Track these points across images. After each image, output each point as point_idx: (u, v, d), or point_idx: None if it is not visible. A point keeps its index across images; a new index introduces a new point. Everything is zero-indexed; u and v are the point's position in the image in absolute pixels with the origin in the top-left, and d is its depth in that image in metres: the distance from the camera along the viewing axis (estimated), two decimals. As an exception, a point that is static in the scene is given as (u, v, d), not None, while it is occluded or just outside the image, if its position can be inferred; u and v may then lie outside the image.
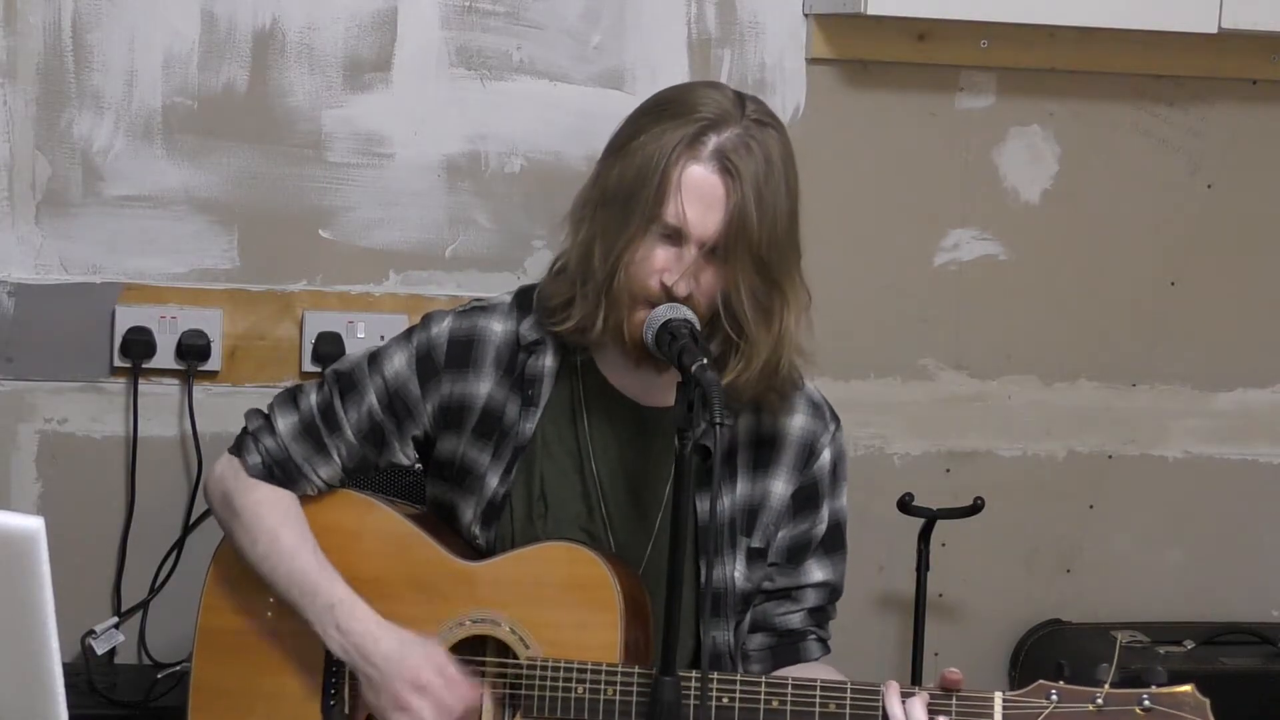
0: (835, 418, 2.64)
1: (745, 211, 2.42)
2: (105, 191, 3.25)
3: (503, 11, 3.32)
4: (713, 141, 2.42)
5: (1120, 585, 3.62)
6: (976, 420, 3.57)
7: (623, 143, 2.48)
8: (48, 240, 3.24)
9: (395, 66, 3.30)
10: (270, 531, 2.58)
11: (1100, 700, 2.30)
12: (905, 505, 3.35)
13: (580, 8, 3.34)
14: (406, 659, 2.48)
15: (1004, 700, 2.33)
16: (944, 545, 3.43)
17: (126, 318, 3.26)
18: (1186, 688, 2.29)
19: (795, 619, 2.63)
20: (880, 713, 2.37)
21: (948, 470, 3.56)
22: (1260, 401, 3.66)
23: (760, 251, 2.44)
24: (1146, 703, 2.29)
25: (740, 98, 2.49)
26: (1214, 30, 3.34)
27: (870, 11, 3.25)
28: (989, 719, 2.33)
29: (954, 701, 2.35)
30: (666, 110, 2.47)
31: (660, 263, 2.43)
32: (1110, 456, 3.62)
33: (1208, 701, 2.29)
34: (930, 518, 3.35)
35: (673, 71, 3.35)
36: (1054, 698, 2.31)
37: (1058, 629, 3.56)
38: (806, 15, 3.40)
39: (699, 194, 2.41)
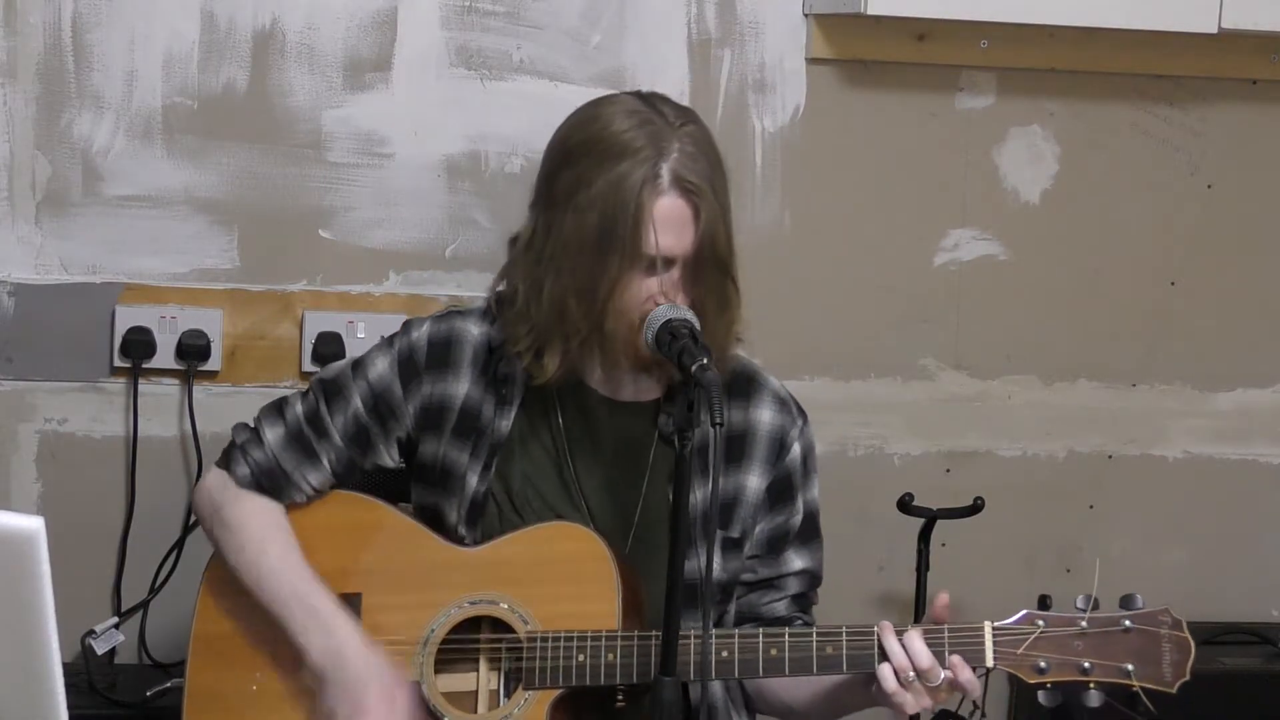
0: (802, 413, 2.71)
1: (712, 222, 2.49)
2: (105, 191, 3.25)
3: (503, 11, 3.32)
4: (666, 170, 2.47)
5: (1120, 585, 3.61)
6: (976, 420, 3.57)
7: (569, 193, 2.50)
8: (48, 240, 3.24)
9: (395, 66, 3.30)
10: (258, 543, 2.61)
11: (1084, 624, 2.44)
12: (905, 505, 3.35)
13: (580, 8, 3.34)
14: (367, 685, 2.50)
15: (994, 628, 2.44)
16: (944, 545, 3.43)
17: (126, 318, 3.26)
18: (1163, 608, 2.46)
19: (780, 606, 2.69)
20: (875, 652, 2.44)
21: (948, 470, 3.56)
22: (1260, 401, 3.66)
23: (721, 253, 2.51)
24: (1127, 623, 2.44)
25: (650, 103, 2.54)
26: (1214, 30, 3.34)
27: (870, 11, 3.25)
28: (980, 648, 2.43)
29: (945, 633, 2.44)
30: (605, 151, 2.49)
31: (649, 290, 2.49)
32: (1110, 456, 3.62)
33: (1183, 619, 2.45)
34: (930, 518, 3.35)
35: (673, 71, 3.35)
36: (1040, 625, 2.44)
37: (1058, 629, 3.56)
38: (806, 15, 3.40)
39: (673, 222, 2.47)
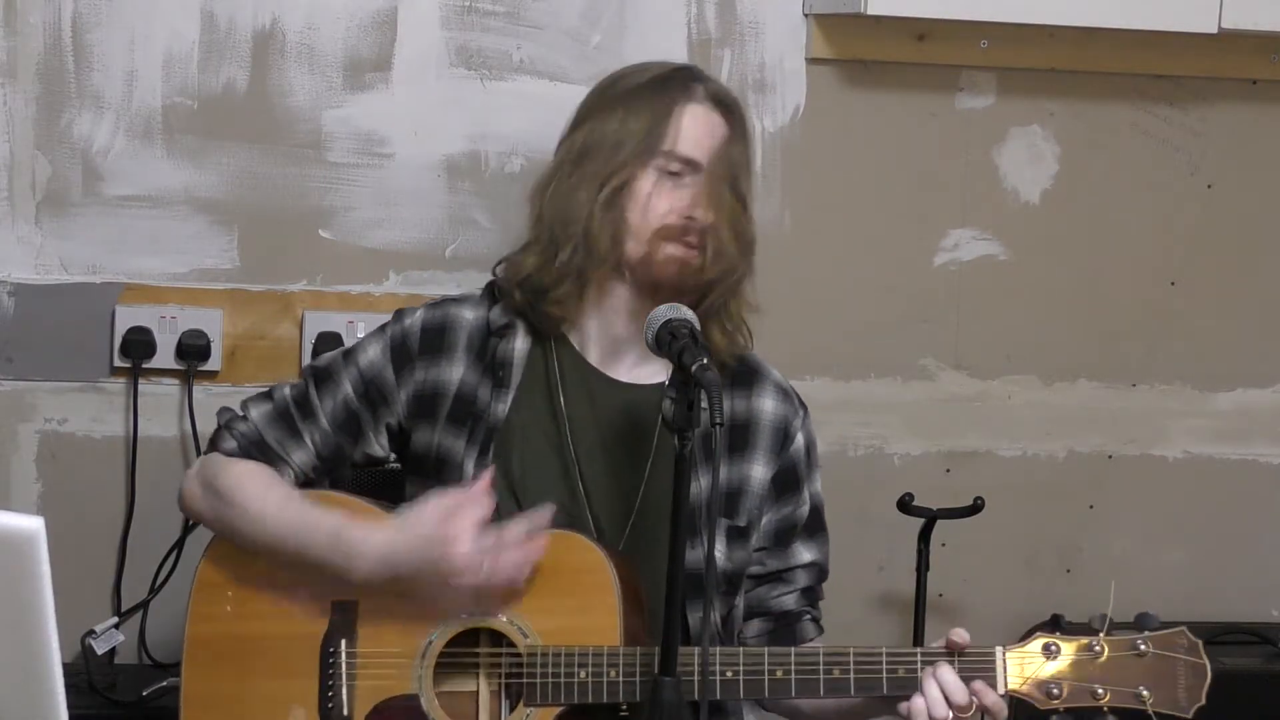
0: (803, 404, 2.72)
1: (738, 145, 2.58)
2: (105, 191, 3.25)
3: (503, 11, 3.32)
4: (700, 87, 2.58)
5: (1120, 585, 3.61)
6: (976, 420, 3.57)
7: (592, 110, 2.60)
8: (48, 240, 3.24)
9: (395, 66, 3.30)
10: (258, 497, 2.58)
11: (1097, 648, 2.39)
12: (905, 505, 3.35)
13: (580, 8, 3.34)
14: (420, 534, 2.45)
15: (1005, 654, 2.41)
16: (944, 545, 3.43)
17: (126, 318, 3.26)
18: (1179, 629, 2.40)
19: (790, 600, 2.68)
20: (884, 677, 2.41)
21: (948, 470, 3.56)
22: (1260, 401, 3.66)
23: (739, 183, 2.57)
24: (1142, 647, 2.39)
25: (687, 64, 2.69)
26: (1214, 30, 3.34)
27: (870, 11, 3.25)
28: (992, 674, 2.39)
29: (956, 659, 2.40)
30: (637, 78, 2.60)
31: (670, 201, 2.53)
32: (1110, 456, 3.62)
33: (1200, 642, 2.39)
34: (930, 518, 3.35)
35: (673, 71, 3.35)
36: (1053, 649, 2.39)
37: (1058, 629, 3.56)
38: (806, 15, 3.40)
39: (706, 127, 2.55)
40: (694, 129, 2.54)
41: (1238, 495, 3.67)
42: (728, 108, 2.58)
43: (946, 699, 2.38)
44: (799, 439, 2.68)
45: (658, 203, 2.51)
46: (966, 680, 2.39)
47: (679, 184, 2.53)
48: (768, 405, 2.66)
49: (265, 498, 2.58)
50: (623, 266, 2.58)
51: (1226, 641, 3.49)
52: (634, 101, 2.55)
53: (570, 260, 2.54)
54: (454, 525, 2.43)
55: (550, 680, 2.47)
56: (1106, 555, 3.63)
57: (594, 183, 2.53)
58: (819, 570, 2.71)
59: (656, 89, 2.55)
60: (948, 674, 2.39)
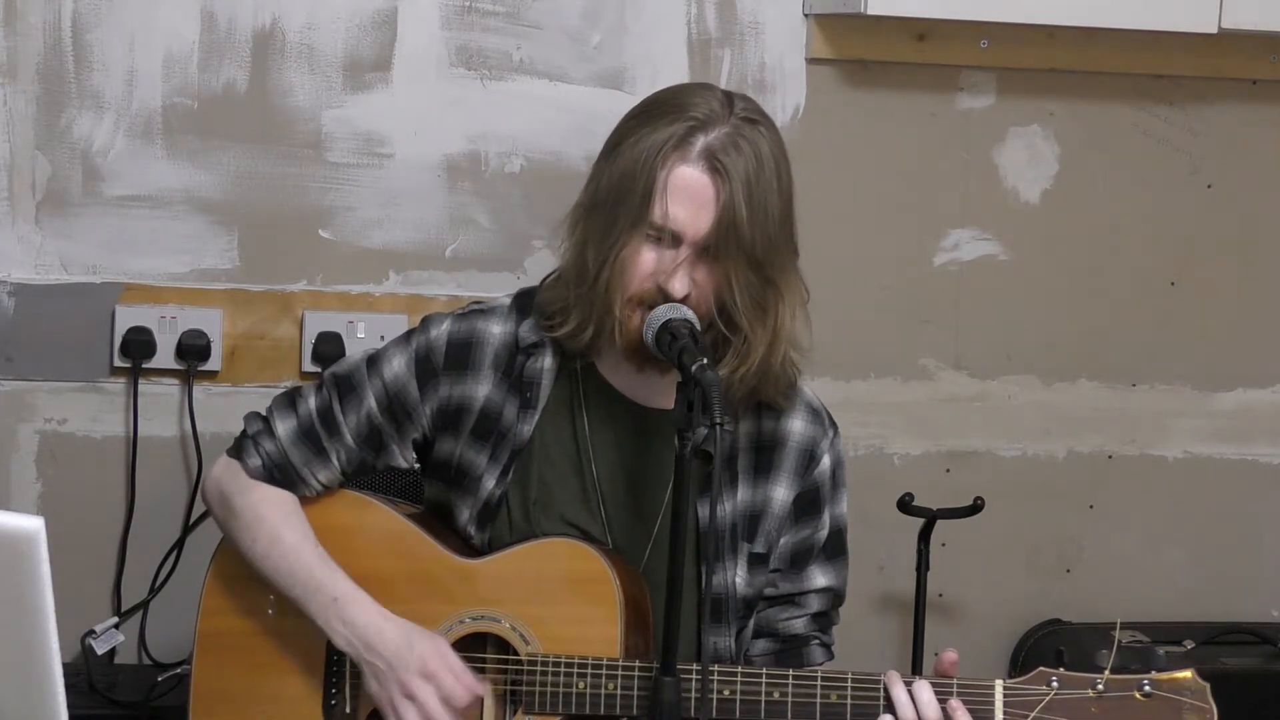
0: (833, 424, 2.64)
1: (736, 209, 2.41)
2: (105, 191, 3.25)
3: (503, 11, 3.32)
4: (700, 141, 2.41)
5: (1120, 585, 3.62)
6: (976, 420, 3.57)
7: (612, 146, 2.48)
8: (48, 240, 3.25)
9: (395, 66, 3.30)
10: (271, 530, 2.57)
11: (1100, 686, 2.30)
12: (905, 505, 3.35)
13: (580, 8, 3.34)
14: (414, 648, 2.47)
15: (1004, 688, 2.34)
16: (944, 545, 3.43)
17: (126, 318, 3.26)
18: (1187, 673, 2.30)
19: (799, 624, 2.63)
20: (881, 703, 2.37)
21: (948, 470, 3.56)
22: (1260, 401, 3.66)
23: (754, 250, 2.43)
24: (1147, 688, 2.29)
25: (729, 97, 2.48)
26: (1214, 30, 3.34)
27: (870, 11, 3.25)
28: (990, 707, 2.34)
29: (954, 688, 2.35)
30: (654, 111, 2.46)
31: (652, 265, 2.43)
32: (1110, 456, 3.62)
33: (1207, 686, 2.29)
34: (930, 518, 3.35)
35: (673, 71, 3.35)
36: (1054, 684, 2.31)
37: (1058, 629, 3.56)
38: (806, 15, 3.40)
39: (688, 194, 2.41)
40: (677, 196, 2.40)
41: (1238, 495, 3.67)
42: (720, 170, 2.39)
43: (918, 712, 2.34)
44: (825, 461, 2.61)
45: (636, 266, 2.42)
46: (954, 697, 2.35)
47: (658, 248, 2.42)
48: (796, 426, 2.60)
49: (277, 535, 2.57)
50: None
51: (1226, 641, 3.49)
52: (641, 150, 2.42)
53: (585, 315, 2.49)
54: (440, 664, 2.46)
55: (549, 689, 2.46)
56: (1106, 555, 3.63)
57: (599, 244, 2.45)
58: (833, 595, 2.64)
59: (659, 143, 2.40)
60: (924, 691, 2.35)
